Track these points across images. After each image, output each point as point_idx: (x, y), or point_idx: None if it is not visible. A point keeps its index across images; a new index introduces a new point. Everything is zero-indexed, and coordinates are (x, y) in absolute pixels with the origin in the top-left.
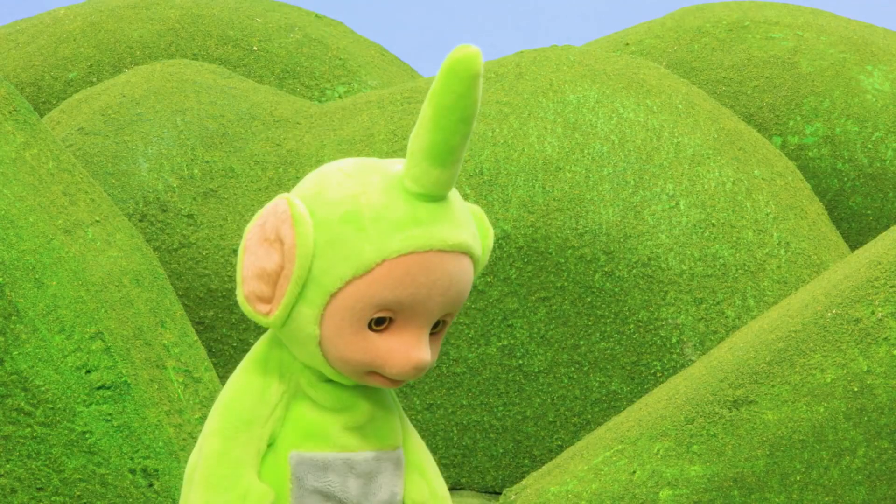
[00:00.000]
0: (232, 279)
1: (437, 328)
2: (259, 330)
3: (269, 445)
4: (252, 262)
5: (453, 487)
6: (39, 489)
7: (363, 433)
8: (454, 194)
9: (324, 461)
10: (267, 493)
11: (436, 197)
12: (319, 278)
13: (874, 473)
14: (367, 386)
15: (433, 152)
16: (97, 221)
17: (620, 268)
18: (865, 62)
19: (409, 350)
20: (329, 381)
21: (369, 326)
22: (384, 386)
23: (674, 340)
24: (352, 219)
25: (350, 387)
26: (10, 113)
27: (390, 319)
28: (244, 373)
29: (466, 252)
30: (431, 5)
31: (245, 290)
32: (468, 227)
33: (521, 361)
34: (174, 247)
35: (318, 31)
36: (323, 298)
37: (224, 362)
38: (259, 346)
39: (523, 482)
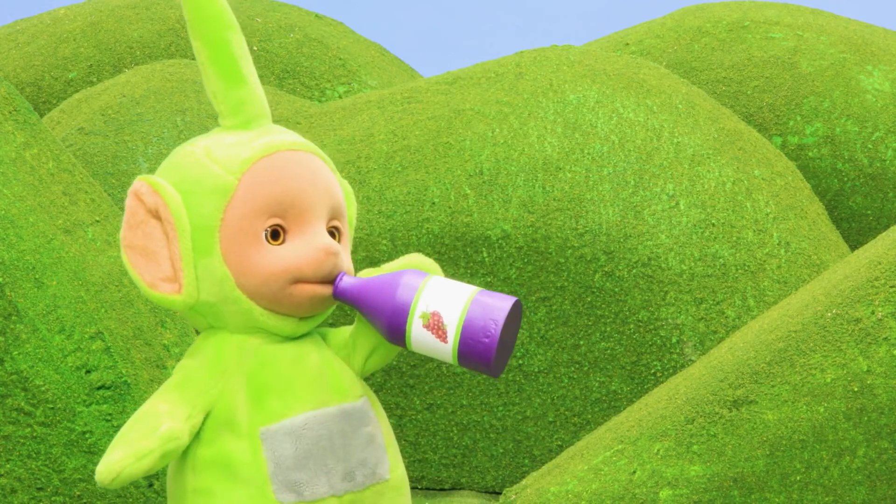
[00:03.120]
0: None
1: (334, 239)
2: None
3: (236, 433)
4: (137, 253)
5: (453, 487)
6: (39, 489)
7: (320, 390)
8: (281, 127)
9: (291, 426)
10: (179, 433)
11: (256, 119)
12: (200, 223)
13: (874, 473)
14: (304, 343)
15: (222, 74)
16: (97, 221)
17: (620, 268)
18: (865, 62)
19: (313, 241)
20: (267, 344)
21: (268, 242)
22: (316, 293)
23: (674, 340)
24: (196, 163)
25: (290, 347)
26: (10, 113)
27: (283, 230)
28: (179, 363)
29: (313, 152)
30: (431, 5)
31: (146, 280)
32: (302, 138)
33: (521, 361)
34: None
35: (318, 31)
36: (213, 237)
37: None
38: (190, 347)
39: (523, 482)
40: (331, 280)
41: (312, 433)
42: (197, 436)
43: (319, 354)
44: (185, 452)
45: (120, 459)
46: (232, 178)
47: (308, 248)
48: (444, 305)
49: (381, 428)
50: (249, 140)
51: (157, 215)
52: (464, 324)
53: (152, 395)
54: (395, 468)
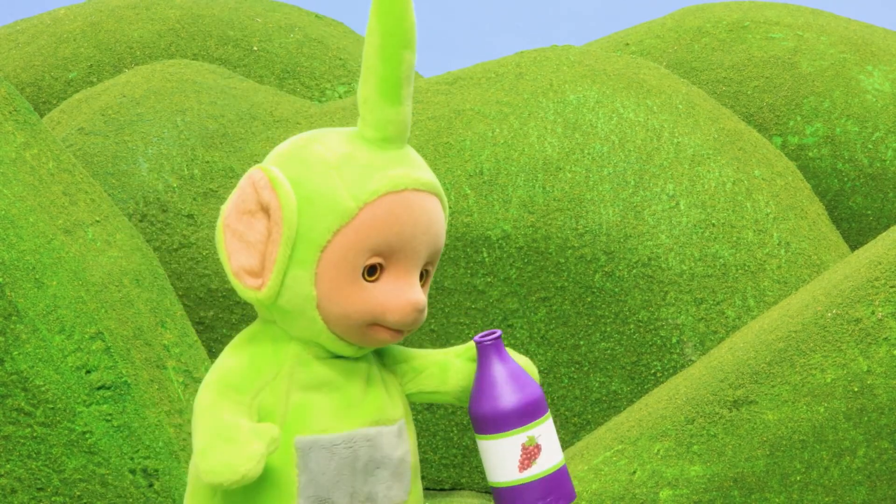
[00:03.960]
0: None
1: (421, 281)
2: None
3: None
4: (235, 236)
5: (453, 487)
6: (39, 489)
7: (361, 411)
8: (413, 151)
9: (328, 442)
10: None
11: (394, 140)
12: (307, 235)
13: (874, 473)
14: (358, 362)
15: (384, 89)
16: (97, 221)
17: (620, 268)
18: (865, 62)
19: (406, 292)
20: (321, 358)
21: (363, 277)
22: (387, 339)
23: (674, 340)
24: (324, 172)
25: (342, 364)
26: (10, 113)
27: (381, 268)
28: (232, 348)
29: (436, 193)
30: (431, 5)
31: (233, 266)
32: (431, 172)
33: None
34: (174, 247)
35: (318, 31)
36: (314, 255)
37: None
38: (247, 329)
39: None
40: (406, 331)
41: (346, 452)
42: None
43: (369, 373)
44: None
45: (251, 457)
46: (354, 204)
47: (398, 297)
48: (549, 448)
49: (411, 451)
50: (383, 166)
51: (266, 211)
52: (550, 475)
53: (210, 392)
54: (414, 490)
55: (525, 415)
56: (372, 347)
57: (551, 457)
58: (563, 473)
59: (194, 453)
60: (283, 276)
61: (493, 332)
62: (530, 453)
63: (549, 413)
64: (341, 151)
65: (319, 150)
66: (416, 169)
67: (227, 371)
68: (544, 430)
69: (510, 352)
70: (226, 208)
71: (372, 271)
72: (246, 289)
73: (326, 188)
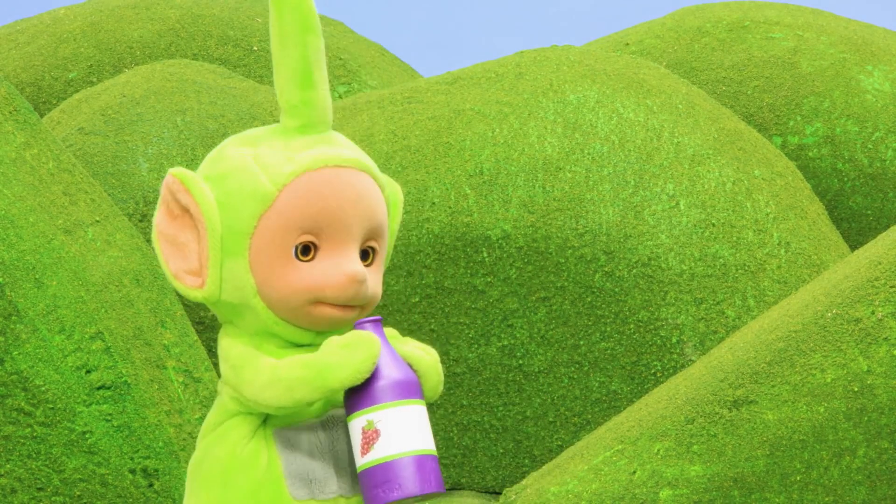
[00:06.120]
0: None
1: (367, 260)
2: None
3: (263, 423)
4: (168, 242)
5: (453, 487)
6: (39, 489)
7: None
8: (340, 135)
9: (307, 426)
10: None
11: (315, 125)
12: (233, 226)
13: (874, 473)
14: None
15: (294, 75)
16: (97, 221)
17: (620, 268)
18: (865, 62)
19: (342, 265)
20: (283, 348)
21: (297, 257)
22: (337, 315)
23: (674, 340)
24: (243, 164)
25: (304, 352)
26: (10, 113)
27: (315, 247)
28: (227, 335)
29: (364, 169)
30: (431, 5)
31: (171, 269)
32: (358, 151)
33: (521, 361)
34: None
35: None
36: (244, 243)
37: None
38: (224, 327)
39: (523, 482)
40: (351, 305)
41: (325, 435)
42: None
43: None
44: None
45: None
46: (273, 187)
47: (335, 271)
48: (393, 435)
49: None
50: (300, 149)
51: (188, 212)
52: (388, 462)
53: (258, 360)
54: None
55: (365, 398)
56: (328, 329)
57: (395, 444)
58: (408, 464)
59: (317, 377)
60: (219, 269)
61: (375, 318)
62: (369, 437)
63: (406, 401)
64: (259, 142)
65: (238, 145)
66: (336, 147)
67: (241, 350)
68: (388, 416)
69: (403, 340)
70: (156, 217)
71: (306, 251)
72: (188, 289)
73: (246, 177)
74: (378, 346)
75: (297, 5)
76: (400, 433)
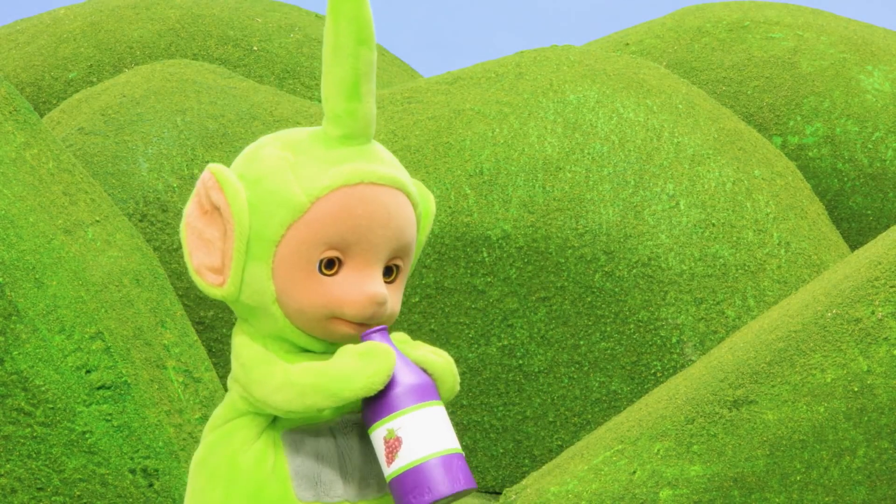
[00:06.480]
0: None
1: (391, 277)
2: None
3: (271, 424)
4: (195, 235)
5: None
6: (39, 489)
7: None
8: (380, 147)
9: (314, 429)
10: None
11: (357, 137)
12: (261, 231)
13: (874, 473)
14: (328, 356)
15: (342, 86)
16: (97, 221)
17: (620, 268)
18: (865, 62)
19: (364, 285)
20: (291, 353)
21: (320, 271)
22: (349, 332)
23: (674, 340)
24: (280, 169)
25: (313, 358)
26: (11, 113)
27: (340, 262)
28: (241, 332)
29: (399, 188)
30: (432, 5)
31: (194, 262)
32: (397, 167)
33: (521, 361)
34: (174, 247)
35: (318, 31)
36: (269, 250)
37: (224, 362)
38: (239, 324)
39: (523, 482)
40: (369, 325)
41: (332, 441)
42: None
43: None
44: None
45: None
46: (306, 199)
47: (356, 290)
48: (415, 439)
49: None
50: (338, 161)
51: (218, 209)
52: (415, 468)
53: (274, 366)
54: None
55: (382, 409)
56: (339, 342)
57: (418, 449)
58: (435, 465)
59: (331, 384)
60: (241, 271)
61: (381, 327)
62: (391, 446)
63: (422, 404)
64: (299, 148)
65: (278, 148)
66: (375, 163)
67: (254, 350)
68: (407, 422)
69: (415, 345)
70: (187, 208)
71: (330, 265)
72: (207, 285)
73: (281, 184)
74: (393, 358)
75: (355, 17)
76: (421, 437)
